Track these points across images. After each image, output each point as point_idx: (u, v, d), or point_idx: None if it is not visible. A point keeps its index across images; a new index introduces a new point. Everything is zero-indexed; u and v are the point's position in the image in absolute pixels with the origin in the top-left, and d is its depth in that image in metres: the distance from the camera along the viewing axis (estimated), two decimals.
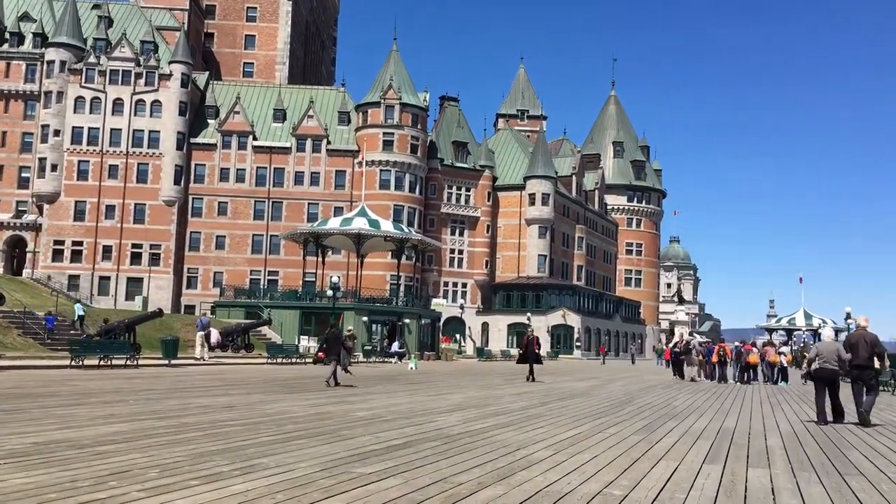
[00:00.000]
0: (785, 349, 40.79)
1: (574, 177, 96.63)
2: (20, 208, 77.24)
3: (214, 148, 79.63)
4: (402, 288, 68.07)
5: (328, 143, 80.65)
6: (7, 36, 78.87)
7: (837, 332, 46.89)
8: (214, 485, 6.14)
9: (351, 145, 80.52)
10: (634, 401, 18.01)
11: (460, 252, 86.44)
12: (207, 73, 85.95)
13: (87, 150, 76.52)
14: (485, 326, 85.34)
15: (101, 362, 24.86)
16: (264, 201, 79.64)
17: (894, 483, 7.47)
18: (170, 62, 77.92)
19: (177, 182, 77.74)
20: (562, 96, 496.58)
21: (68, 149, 76.26)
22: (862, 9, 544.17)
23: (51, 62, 76.65)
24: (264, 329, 49.20)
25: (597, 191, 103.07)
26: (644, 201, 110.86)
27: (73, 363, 23.99)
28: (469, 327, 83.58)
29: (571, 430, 11.08)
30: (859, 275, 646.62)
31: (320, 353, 38.24)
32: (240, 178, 79.68)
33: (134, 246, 76.37)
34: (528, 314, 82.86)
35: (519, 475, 7.04)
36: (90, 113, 76.83)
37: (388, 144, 79.66)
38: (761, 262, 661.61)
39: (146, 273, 75.48)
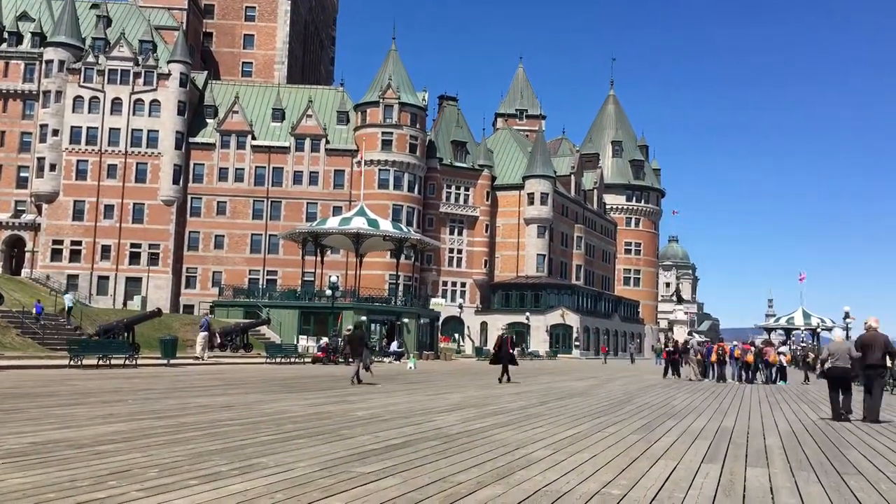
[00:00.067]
0: (784, 349, 40.83)
1: (573, 176, 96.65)
2: (19, 208, 77.21)
3: (213, 147, 79.61)
4: (400, 287, 68.09)
5: (327, 142, 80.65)
6: (6, 35, 78.79)
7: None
8: (213, 484, 6.14)
9: (350, 145, 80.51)
10: (633, 400, 18.02)
11: (459, 251, 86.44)
12: (206, 72, 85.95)
13: (86, 149, 76.48)
14: (483, 326, 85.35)
15: (100, 362, 24.86)
16: (263, 201, 79.62)
17: (893, 482, 7.47)
18: (168, 62, 77.88)
19: (175, 182, 77.71)
20: (561, 96, 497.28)
21: (67, 148, 76.21)
22: (862, 9, 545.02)
23: (49, 62, 76.59)
24: (263, 329, 49.18)
25: (595, 190, 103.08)
26: (643, 201, 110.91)
27: (71, 363, 24.00)
28: (468, 327, 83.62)
29: (570, 429, 11.09)
30: (858, 274, 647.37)
31: (319, 353, 38.42)
32: (238, 177, 79.67)
33: (133, 245, 76.34)
34: (527, 314, 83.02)
35: (518, 474, 7.04)
36: (89, 112, 76.78)
37: (386, 144, 79.65)
38: (760, 261, 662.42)
39: (145, 273, 75.47)
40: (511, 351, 25.32)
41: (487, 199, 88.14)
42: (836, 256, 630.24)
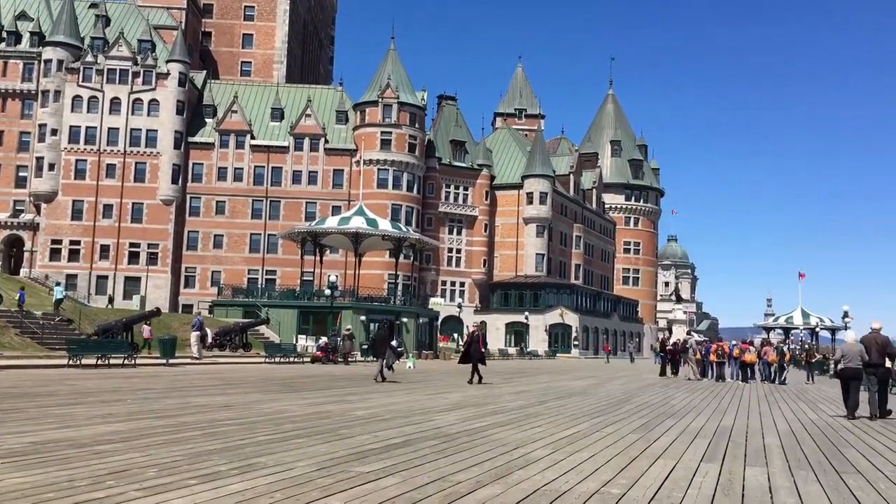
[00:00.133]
0: (783, 348, 40.80)
1: (572, 176, 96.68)
2: (17, 208, 77.18)
3: (212, 147, 79.59)
4: (399, 287, 68.04)
5: (326, 142, 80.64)
6: (4, 35, 78.72)
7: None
8: (212, 484, 6.13)
9: (349, 144, 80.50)
10: (632, 399, 18.03)
11: (458, 251, 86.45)
12: (205, 72, 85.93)
13: (85, 149, 76.44)
14: (483, 326, 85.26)
15: (99, 361, 24.85)
16: (262, 200, 79.61)
17: (891, 481, 7.49)
18: (167, 61, 77.84)
19: (174, 181, 77.68)
20: (560, 95, 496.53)
21: (66, 148, 76.17)
22: (862, 9, 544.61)
23: (48, 61, 76.54)
24: (262, 328, 49.16)
25: (594, 190, 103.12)
26: (642, 200, 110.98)
27: (70, 362, 23.97)
28: (467, 326, 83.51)
29: (569, 428, 11.09)
30: (858, 274, 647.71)
31: (318, 353, 38.42)
32: (237, 177, 79.65)
33: (131, 245, 76.32)
34: (526, 313, 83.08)
35: (517, 474, 7.04)
36: (87, 112, 76.74)
37: (385, 143, 79.65)
38: (759, 261, 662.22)
39: (144, 272, 75.45)
40: (482, 349, 22.94)
41: (486, 199, 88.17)
42: (836, 256, 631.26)
